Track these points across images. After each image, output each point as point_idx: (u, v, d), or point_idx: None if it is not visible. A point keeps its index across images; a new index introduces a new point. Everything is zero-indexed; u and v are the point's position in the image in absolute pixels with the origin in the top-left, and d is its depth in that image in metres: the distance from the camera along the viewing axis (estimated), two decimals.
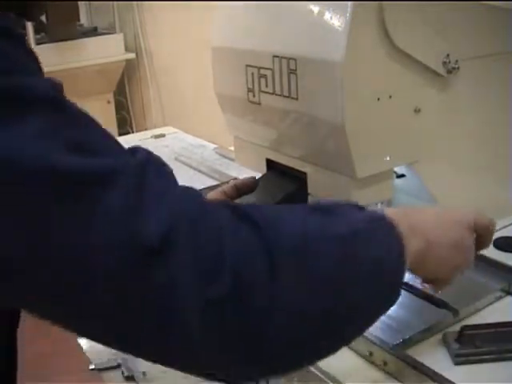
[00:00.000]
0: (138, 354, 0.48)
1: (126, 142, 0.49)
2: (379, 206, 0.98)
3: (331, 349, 0.53)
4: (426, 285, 0.66)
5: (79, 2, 3.21)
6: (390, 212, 0.60)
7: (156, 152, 0.49)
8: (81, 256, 0.42)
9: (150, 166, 0.46)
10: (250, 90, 0.87)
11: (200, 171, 1.35)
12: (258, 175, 0.96)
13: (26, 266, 0.42)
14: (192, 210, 0.47)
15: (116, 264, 0.42)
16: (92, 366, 0.83)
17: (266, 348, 0.47)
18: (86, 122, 0.46)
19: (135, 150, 0.48)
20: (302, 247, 0.50)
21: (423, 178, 0.85)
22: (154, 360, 0.48)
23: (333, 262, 0.51)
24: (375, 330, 0.72)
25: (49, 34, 3.05)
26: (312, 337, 0.50)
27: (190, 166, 1.38)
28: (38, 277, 0.42)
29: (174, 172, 0.50)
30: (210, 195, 0.83)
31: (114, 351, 0.68)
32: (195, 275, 0.44)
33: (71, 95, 0.47)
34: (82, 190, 0.42)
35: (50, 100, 0.44)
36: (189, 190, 0.49)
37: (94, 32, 3.37)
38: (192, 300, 0.44)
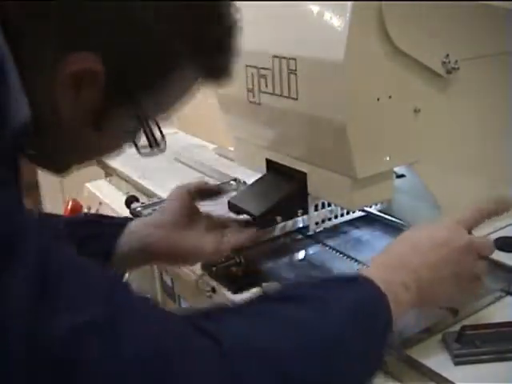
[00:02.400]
0: None
1: None
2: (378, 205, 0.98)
3: None
4: None
5: None
6: (373, 272, 0.61)
7: None
8: None
9: (123, 313, 0.46)
10: (249, 90, 0.87)
11: (200, 171, 1.35)
12: (257, 175, 0.96)
13: None
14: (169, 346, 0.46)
15: None
16: None
17: None
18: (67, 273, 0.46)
19: (110, 295, 0.47)
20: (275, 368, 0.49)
21: (423, 178, 0.85)
22: None
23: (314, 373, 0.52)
24: None
25: None
26: None
27: (190, 166, 1.38)
28: None
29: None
30: (176, 192, 0.85)
31: None
32: None
33: None
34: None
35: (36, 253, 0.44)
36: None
37: None
38: None
